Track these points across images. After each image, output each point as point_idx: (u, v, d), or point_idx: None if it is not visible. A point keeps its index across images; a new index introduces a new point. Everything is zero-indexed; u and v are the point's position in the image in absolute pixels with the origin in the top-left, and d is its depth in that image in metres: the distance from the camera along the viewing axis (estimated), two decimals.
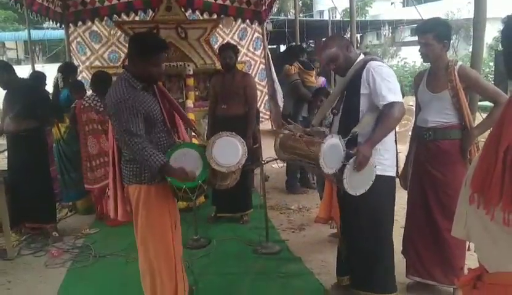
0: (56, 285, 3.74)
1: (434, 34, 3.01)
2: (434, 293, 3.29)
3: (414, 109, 3.48)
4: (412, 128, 3.61)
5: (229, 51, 4.90)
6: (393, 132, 2.97)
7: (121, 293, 3.53)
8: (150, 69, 2.80)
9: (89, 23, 7.62)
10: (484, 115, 3.13)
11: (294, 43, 9.37)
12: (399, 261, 3.33)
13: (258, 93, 7.37)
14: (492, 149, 1.62)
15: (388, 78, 2.86)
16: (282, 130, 3.13)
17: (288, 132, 3.06)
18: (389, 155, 2.97)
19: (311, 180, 6.28)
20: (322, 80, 6.51)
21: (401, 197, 3.47)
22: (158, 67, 2.85)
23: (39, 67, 12.00)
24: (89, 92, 5.64)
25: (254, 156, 5.08)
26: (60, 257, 4.32)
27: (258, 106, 6.63)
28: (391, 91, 2.82)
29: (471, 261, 2.75)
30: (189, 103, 6.21)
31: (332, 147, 2.71)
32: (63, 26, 7.63)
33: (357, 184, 2.77)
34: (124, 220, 3.11)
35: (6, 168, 4.86)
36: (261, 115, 7.80)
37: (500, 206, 1.56)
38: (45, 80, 5.59)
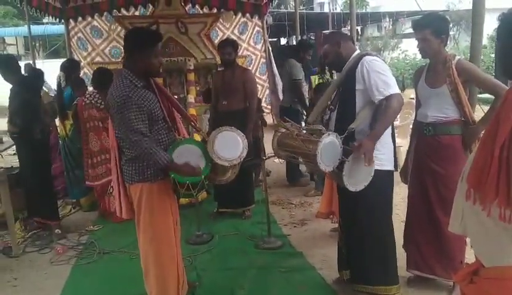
0: (61, 281, 3.79)
1: (431, 30, 3.02)
2: (434, 287, 3.32)
3: (415, 103, 3.49)
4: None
5: (228, 47, 4.91)
6: (389, 127, 2.99)
7: (126, 289, 3.56)
8: (150, 61, 2.84)
9: (89, 18, 7.61)
10: (484, 108, 3.13)
11: (304, 37, 9.35)
12: (400, 255, 3.36)
13: (259, 87, 7.37)
14: (487, 145, 1.64)
15: (382, 72, 2.88)
16: (279, 129, 3.15)
17: (285, 131, 3.08)
18: (386, 150, 2.99)
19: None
20: None
21: (403, 191, 3.49)
22: (158, 59, 2.89)
23: (39, 63, 11.99)
24: (90, 88, 5.67)
25: (256, 151, 5.12)
26: (65, 253, 4.37)
27: (260, 99, 6.64)
28: (387, 84, 2.84)
29: (471, 255, 2.79)
30: (191, 98, 6.22)
31: (328, 145, 2.74)
32: (63, 21, 7.64)
33: (356, 180, 2.80)
34: (128, 218, 3.14)
35: (9, 166, 4.96)
36: (262, 108, 7.81)
37: (496, 202, 1.59)
38: (43, 77, 5.48)
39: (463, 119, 3.08)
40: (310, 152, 2.77)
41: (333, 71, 5.98)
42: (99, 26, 7.88)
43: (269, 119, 9.15)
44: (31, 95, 4.65)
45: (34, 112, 4.64)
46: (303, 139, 2.89)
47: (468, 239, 3.15)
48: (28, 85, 4.72)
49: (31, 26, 9.85)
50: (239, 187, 4.51)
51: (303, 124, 5.19)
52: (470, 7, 3.58)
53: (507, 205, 1.56)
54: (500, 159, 1.57)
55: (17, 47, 25.09)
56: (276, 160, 6.70)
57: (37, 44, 23.38)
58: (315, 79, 6.26)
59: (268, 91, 8.34)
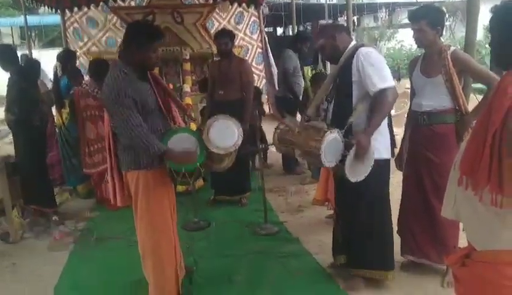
0: (59, 267, 3.83)
1: (427, 21, 3.05)
2: (427, 271, 3.37)
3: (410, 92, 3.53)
4: None
5: (225, 37, 4.92)
6: (386, 118, 3.03)
7: (123, 275, 3.59)
8: (147, 57, 2.86)
9: (85, 9, 7.59)
10: (479, 97, 3.17)
11: (302, 28, 9.31)
12: (394, 240, 3.41)
13: (256, 77, 7.38)
14: (480, 133, 1.69)
15: (377, 64, 2.91)
16: (278, 125, 3.17)
17: (284, 127, 3.10)
18: (383, 138, 3.04)
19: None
20: None
21: (397, 176, 3.54)
22: (155, 54, 2.92)
23: (35, 53, 11.93)
24: (86, 78, 5.68)
25: (253, 140, 5.15)
26: (63, 240, 4.40)
27: (258, 88, 6.67)
28: (381, 77, 2.87)
29: (465, 240, 2.85)
30: (186, 88, 6.23)
31: (331, 142, 2.78)
32: (59, 11, 7.61)
33: (357, 171, 2.85)
34: (123, 205, 3.17)
35: (7, 154, 4.97)
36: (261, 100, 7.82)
37: (487, 188, 1.64)
38: (39, 67, 5.47)
39: (457, 108, 3.12)
40: (313, 151, 2.81)
41: (327, 62, 5.99)
42: (94, 16, 7.85)
43: (265, 109, 9.19)
44: (28, 84, 4.65)
45: (32, 101, 4.65)
46: (305, 137, 2.91)
47: (461, 225, 3.22)
48: (25, 74, 4.72)
49: (26, 16, 9.79)
50: (236, 174, 4.55)
51: (298, 115, 5.23)
52: None
53: (498, 191, 1.61)
54: (492, 147, 1.62)
55: (13, 38, 24.85)
56: (273, 148, 6.76)
57: (33, 34, 23.18)
58: (307, 70, 6.28)
59: (264, 81, 8.36)
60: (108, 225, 4.73)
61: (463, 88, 3.17)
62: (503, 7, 1.77)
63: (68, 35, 7.76)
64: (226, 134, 3.13)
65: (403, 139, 3.49)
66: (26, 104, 4.61)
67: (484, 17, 2.84)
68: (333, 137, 2.79)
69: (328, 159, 2.79)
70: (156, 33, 2.95)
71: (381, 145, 3.01)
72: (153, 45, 2.88)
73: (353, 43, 3.14)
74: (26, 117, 4.61)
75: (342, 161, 2.80)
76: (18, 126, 4.70)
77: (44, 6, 7.50)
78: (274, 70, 7.98)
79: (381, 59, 2.99)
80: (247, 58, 7.37)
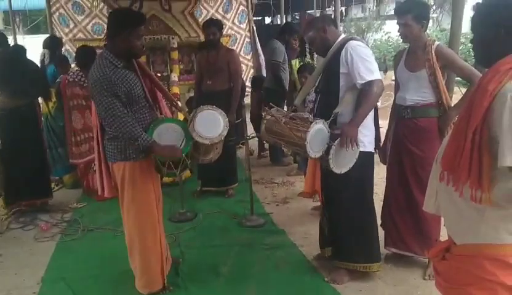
0: (46, 258, 3.82)
1: (413, 15, 3.08)
2: (410, 263, 3.44)
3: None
4: None
5: (213, 27, 4.90)
6: (372, 111, 3.06)
7: (110, 266, 3.60)
8: (132, 45, 2.85)
9: None
10: (463, 90, 3.22)
11: (290, 19, 9.27)
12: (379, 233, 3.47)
13: (244, 67, 7.39)
14: (461, 129, 1.73)
15: (365, 57, 2.94)
16: (265, 116, 3.18)
17: (270, 117, 3.12)
18: (368, 132, 3.08)
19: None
20: None
21: (382, 171, 3.59)
22: (139, 41, 2.91)
23: (19, 39, 11.76)
24: (73, 65, 5.62)
25: (238, 131, 5.17)
26: (49, 230, 4.39)
27: (243, 80, 6.66)
28: (368, 70, 2.90)
29: (446, 234, 2.90)
30: (174, 77, 6.22)
31: (317, 132, 2.81)
32: None
33: (341, 163, 2.89)
34: (110, 196, 3.18)
35: None
36: (246, 89, 7.82)
37: (467, 184, 1.68)
38: (25, 53, 5.42)
39: (440, 102, 3.17)
40: (299, 141, 2.83)
41: (314, 53, 5.98)
42: (81, 1, 7.76)
43: None
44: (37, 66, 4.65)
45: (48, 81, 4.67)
46: (291, 127, 2.92)
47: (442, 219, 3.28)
48: (27, 61, 4.71)
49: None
50: (223, 166, 4.55)
51: (285, 108, 5.25)
52: None
53: (478, 186, 1.65)
54: (473, 143, 1.66)
55: None
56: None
57: (17, 19, 22.74)
58: (295, 63, 6.30)
59: (252, 71, 8.35)
60: (94, 215, 4.72)
61: (447, 82, 3.22)
62: (484, 5, 1.80)
63: (53, 20, 7.66)
64: (211, 124, 3.13)
65: (387, 132, 3.53)
66: (45, 85, 4.67)
67: (471, 9, 2.88)
68: (318, 128, 2.82)
69: (314, 149, 2.82)
70: (137, 18, 2.93)
71: (366, 139, 3.06)
72: (136, 30, 2.86)
73: (342, 36, 3.17)
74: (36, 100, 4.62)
75: (327, 152, 2.83)
76: (28, 110, 4.61)
77: None
78: (262, 60, 7.98)
79: (369, 53, 3.03)
80: (234, 48, 7.36)
